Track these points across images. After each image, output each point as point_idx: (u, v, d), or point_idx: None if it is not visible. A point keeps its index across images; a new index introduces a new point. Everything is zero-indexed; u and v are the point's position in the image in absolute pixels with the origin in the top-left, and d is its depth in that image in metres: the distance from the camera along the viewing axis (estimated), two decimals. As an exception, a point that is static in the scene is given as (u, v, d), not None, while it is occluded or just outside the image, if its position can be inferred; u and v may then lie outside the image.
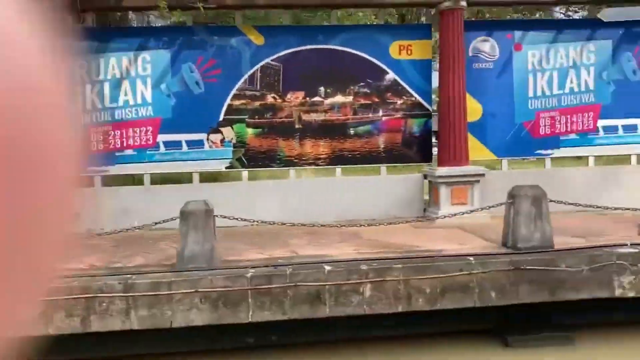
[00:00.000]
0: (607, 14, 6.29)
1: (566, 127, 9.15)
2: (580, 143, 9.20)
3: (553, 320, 6.08)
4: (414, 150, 8.96)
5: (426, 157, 8.95)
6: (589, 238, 6.58)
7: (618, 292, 5.73)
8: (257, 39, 8.62)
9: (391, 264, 5.54)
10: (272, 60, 8.65)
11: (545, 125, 9.11)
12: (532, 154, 9.17)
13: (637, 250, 5.80)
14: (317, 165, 8.88)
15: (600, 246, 5.97)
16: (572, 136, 9.17)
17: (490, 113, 9.01)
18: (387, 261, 5.60)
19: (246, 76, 8.62)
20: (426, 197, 8.94)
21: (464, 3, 8.33)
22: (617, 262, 5.71)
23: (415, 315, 5.67)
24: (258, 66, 8.63)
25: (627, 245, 6.03)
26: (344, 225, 7.06)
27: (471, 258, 5.69)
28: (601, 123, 9.19)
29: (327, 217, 8.45)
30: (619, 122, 9.22)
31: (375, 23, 9.62)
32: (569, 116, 9.14)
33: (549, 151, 9.15)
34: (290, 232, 7.23)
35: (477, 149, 9.01)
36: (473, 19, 8.62)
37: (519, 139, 9.07)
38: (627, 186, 9.00)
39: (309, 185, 8.82)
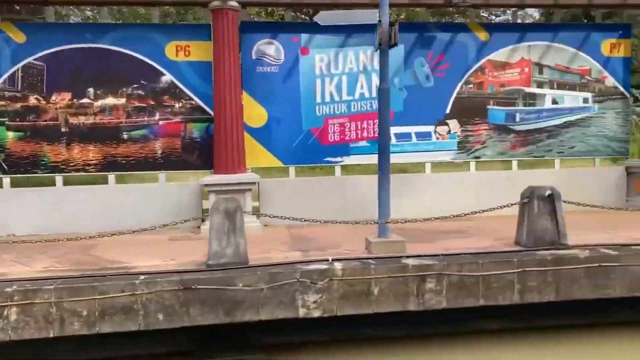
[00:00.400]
0: (323, 17, 5.97)
1: (357, 134, 8.88)
2: (371, 150, 8.89)
3: (253, 340, 5.73)
4: (194, 156, 8.52)
5: (208, 164, 8.51)
6: (311, 252, 6.26)
7: (302, 312, 5.40)
8: (18, 37, 8.02)
9: (42, 284, 5.06)
10: (34, 60, 8.07)
11: (334, 132, 8.81)
12: (321, 161, 8.84)
13: (325, 267, 5.48)
14: (87, 171, 8.33)
15: (290, 263, 5.63)
16: (363, 143, 8.90)
17: (276, 119, 8.66)
18: (38, 282, 5.11)
19: (6, 76, 8.02)
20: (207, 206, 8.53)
21: (233, 3, 7.93)
22: (300, 280, 5.37)
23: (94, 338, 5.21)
24: (19, 65, 8.04)
25: (327, 260, 5.71)
26: (96, 236, 6.44)
27: (142, 277, 5.27)
28: (393, 130, 8.91)
29: (95, 227, 7.94)
30: (412, 129, 9.01)
31: (150, 22, 9.13)
32: (359, 123, 8.87)
33: (339, 159, 8.85)
34: (24, 245, 6.64)
35: (262, 156, 8.65)
36: (257, 20, 8.19)
37: (307, 146, 8.74)
38: (420, 194, 8.80)
39: (77, 193, 8.26)
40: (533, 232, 6.14)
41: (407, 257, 5.81)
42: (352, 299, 5.46)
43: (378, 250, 6.00)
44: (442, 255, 5.87)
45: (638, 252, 5.96)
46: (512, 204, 6.32)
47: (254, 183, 8.09)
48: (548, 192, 6.10)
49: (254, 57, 8.56)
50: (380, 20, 5.90)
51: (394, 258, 5.76)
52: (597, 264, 5.80)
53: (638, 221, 7.74)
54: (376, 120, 8.85)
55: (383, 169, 6.22)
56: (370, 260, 5.71)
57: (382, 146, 6.25)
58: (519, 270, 5.68)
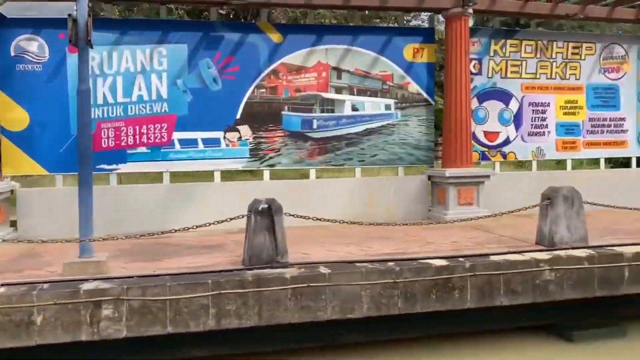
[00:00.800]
0: (11, 8, 5.28)
1: (134, 139, 8.21)
2: (152, 157, 8.29)
3: None
4: (-59, 163, 7.64)
5: (-41, 172, 7.66)
6: (5, 275, 5.54)
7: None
8: None
9: None
10: None
11: (108, 137, 8.11)
12: (93, 169, 8.09)
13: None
14: None
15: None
16: (142, 149, 8.24)
17: (40, 122, 7.89)
18: None
19: None
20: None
21: (-29, -7, 7.12)
22: (-59, 310, 4.65)
23: None
24: None
25: (-4, 285, 5.01)
26: None
27: None
28: (177, 136, 8.34)
29: None
30: (199, 135, 8.43)
31: None
32: (137, 127, 8.20)
33: (114, 166, 8.16)
34: None
35: (23, 163, 7.87)
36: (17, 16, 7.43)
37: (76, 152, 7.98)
38: (207, 205, 8.21)
39: None
40: (251, 249, 5.64)
41: (95, 279, 5.18)
42: (9, 330, 4.78)
43: (70, 272, 5.34)
44: (136, 277, 5.28)
45: (355, 270, 5.55)
46: (231, 219, 5.81)
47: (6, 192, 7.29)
48: (263, 206, 5.62)
49: (13, 53, 7.76)
50: (70, 15, 5.27)
51: (72, 282, 5.12)
52: (305, 285, 5.35)
53: (410, 233, 7.43)
54: (158, 125, 8.29)
55: (84, 180, 5.57)
56: (44, 285, 5.04)
57: (82, 153, 5.62)
58: (215, 293, 5.15)
